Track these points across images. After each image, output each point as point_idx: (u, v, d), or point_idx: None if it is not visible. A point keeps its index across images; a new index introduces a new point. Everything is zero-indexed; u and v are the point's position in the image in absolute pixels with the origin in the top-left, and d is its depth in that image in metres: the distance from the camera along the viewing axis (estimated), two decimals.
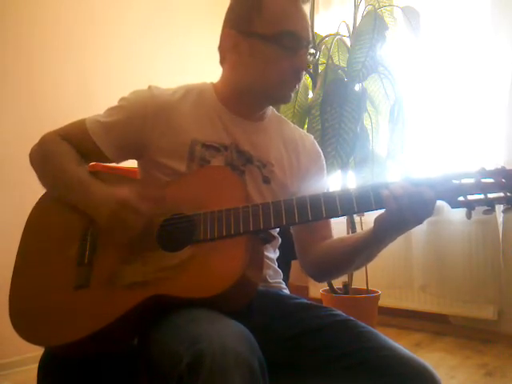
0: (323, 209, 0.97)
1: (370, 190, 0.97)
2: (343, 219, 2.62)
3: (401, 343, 1.01)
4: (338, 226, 2.63)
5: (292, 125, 1.31)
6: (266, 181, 1.18)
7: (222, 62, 1.21)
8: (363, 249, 1.07)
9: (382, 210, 0.98)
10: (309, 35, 1.14)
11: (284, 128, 1.27)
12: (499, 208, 0.96)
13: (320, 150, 1.30)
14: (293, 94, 1.17)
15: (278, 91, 1.15)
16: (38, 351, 1.06)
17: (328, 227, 1.23)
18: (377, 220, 1.00)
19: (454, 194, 0.93)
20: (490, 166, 0.94)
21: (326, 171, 1.30)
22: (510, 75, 2.74)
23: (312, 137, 1.31)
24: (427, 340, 2.94)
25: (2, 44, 2.55)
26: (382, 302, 2.65)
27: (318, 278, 1.25)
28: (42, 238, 1.13)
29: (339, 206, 0.97)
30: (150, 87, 1.18)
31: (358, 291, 2.62)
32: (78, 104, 2.68)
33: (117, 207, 1.01)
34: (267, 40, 1.10)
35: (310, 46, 1.15)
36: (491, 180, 0.93)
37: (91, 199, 1.06)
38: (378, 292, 2.58)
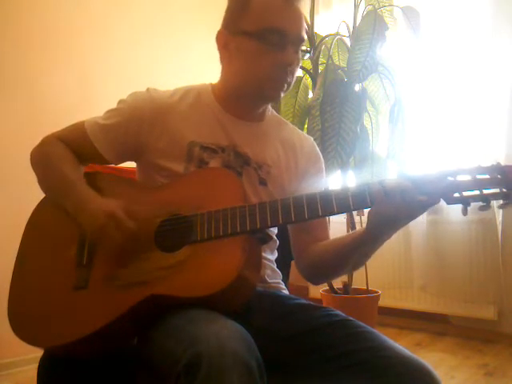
0: (319, 207, 0.97)
1: (365, 187, 0.97)
2: (343, 219, 2.62)
3: (401, 343, 1.01)
4: (338, 226, 2.65)
5: (291, 126, 1.31)
6: (263, 182, 1.17)
7: (221, 61, 1.21)
8: (358, 246, 1.06)
9: None
10: (299, 31, 1.11)
11: (283, 129, 1.27)
12: (498, 208, 0.96)
13: (319, 152, 1.29)
14: (282, 93, 1.14)
15: (266, 89, 1.13)
16: (37, 352, 1.06)
17: (325, 228, 1.22)
18: (369, 214, 0.99)
19: (449, 191, 0.93)
20: (486, 163, 0.94)
21: (325, 173, 1.29)
22: (510, 74, 2.74)
23: (311, 139, 1.31)
24: (427, 340, 2.94)
25: (2, 44, 2.55)
26: (382, 302, 2.65)
27: (315, 280, 1.24)
28: (41, 240, 1.13)
29: (335, 203, 0.96)
30: (148, 89, 1.19)
31: (358, 291, 2.62)
32: (78, 105, 2.68)
33: (104, 221, 1.01)
34: (252, 37, 1.09)
35: (303, 42, 1.13)
36: (487, 176, 0.93)
37: (82, 209, 1.06)
38: (378, 292, 2.58)
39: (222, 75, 1.21)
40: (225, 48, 1.15)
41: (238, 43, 1.12)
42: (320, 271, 1.19)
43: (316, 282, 1.26)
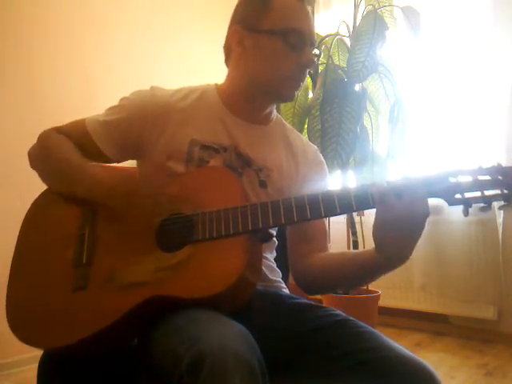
0: (321, 207, 0.97)
1: (368, 188, 0.96)
2: (343, 219, 2.62)
3: (401, 343, 1.00)
4: (338, 226, 2.64)
5: (296, 132, 1.31)
6: (263, 185, 1.17)
7: (227, 60, 1.21)
8: (362, 262, 1.04)
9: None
10: (314, 35, 1.16)
11: (287, 134, 1.26)
12: (499, 209, 0.95)
13: (323, 159, 1.29)
14: (296, 93, 1.16)
15: (282, 88, 1.14)
16: (38, 351, 1.05)
17: (324, 239, 1.21)
18: (373, 226, 0.97)
19: (450, 192, 0.93)
20: (487, 164, 0.94)
21: (327, 180, 1.28)
22: (510, 75, 2.75)
23: (315, 147, 1.30)
24: (427, 340, 2.94)
25: (2, 44, 2.55)
26: (382, 302, 2.65)
27: (311, 291, 1.20)
28: (38, 239, 1.12)
29: (337, 204, 0.96)
30: (151, 87, 1.18)
31: (358, 291, 2.62)
32: (79, 104, 2.68)
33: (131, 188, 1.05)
34: (273, 36, 1.11)
35: (315, 46, 1.16)
36: (488, 177, 0.93)
37: (101, 184, 1.06)
38: (378, 292, 2.58)
39: (229, 75, 1.21)
40: (239, 45, 1.15)
41: (256, 41, 1.13)
42: (318, 283, 1.16)
43: (311, 293, 1.21)
